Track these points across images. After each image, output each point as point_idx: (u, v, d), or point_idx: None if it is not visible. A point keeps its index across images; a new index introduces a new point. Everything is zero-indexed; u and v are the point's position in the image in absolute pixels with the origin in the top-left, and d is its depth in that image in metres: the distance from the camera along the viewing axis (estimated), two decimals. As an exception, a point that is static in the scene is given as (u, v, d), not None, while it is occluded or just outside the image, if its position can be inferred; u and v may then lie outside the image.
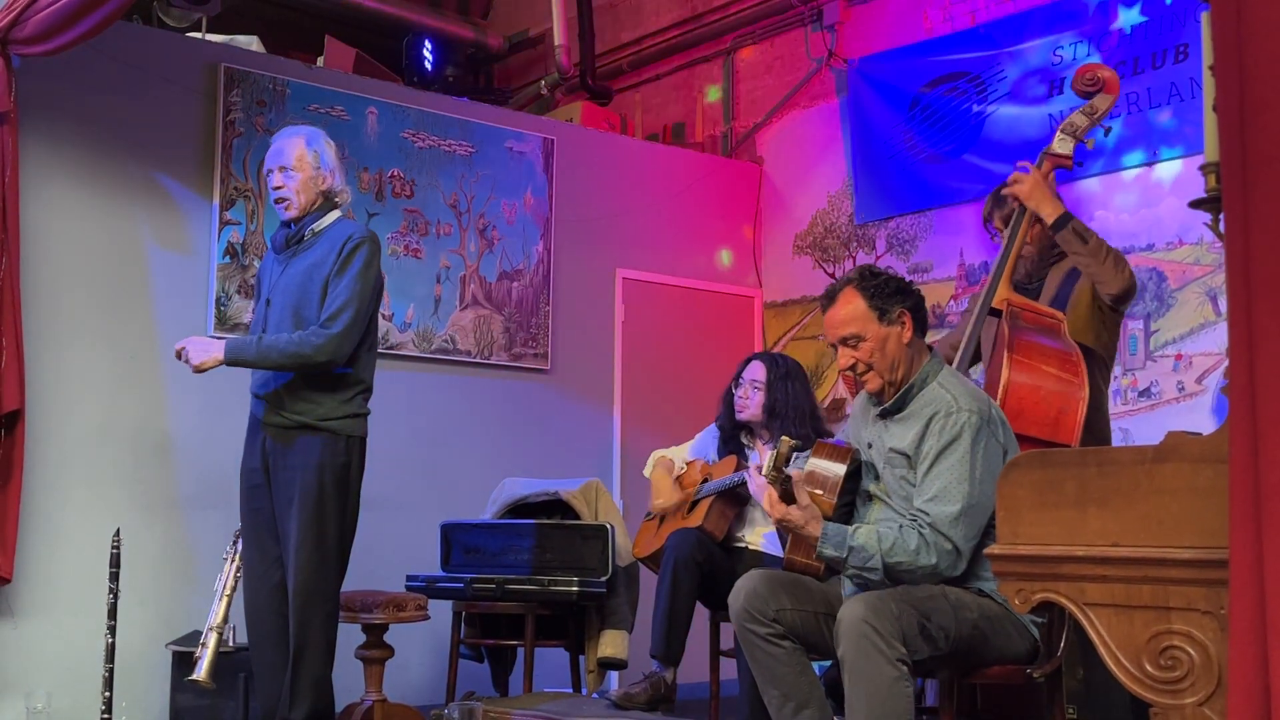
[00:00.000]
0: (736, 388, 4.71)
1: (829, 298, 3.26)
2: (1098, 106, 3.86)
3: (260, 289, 4.20)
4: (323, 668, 3.96)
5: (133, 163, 5.27)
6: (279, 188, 4.01)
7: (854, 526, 3.10)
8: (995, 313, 3.76)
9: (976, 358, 3.92)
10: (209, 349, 3.97)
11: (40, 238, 4.97)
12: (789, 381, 4.64)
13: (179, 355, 4.00)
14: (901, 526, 3.05)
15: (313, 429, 3.92)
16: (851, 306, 3.18)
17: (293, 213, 4.02)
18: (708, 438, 4.92)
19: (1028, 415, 3.49)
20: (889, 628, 2.86)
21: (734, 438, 4.78)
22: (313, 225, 4.04)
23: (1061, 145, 3.89)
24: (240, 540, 4.18)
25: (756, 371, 4.67)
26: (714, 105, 7.40)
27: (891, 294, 3.19)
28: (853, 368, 3.20)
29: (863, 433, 3.36)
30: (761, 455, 4.66)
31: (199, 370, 3.98)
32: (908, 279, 3.38)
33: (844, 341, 3.19)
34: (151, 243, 5.31)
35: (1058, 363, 3.62)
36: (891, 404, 3.21)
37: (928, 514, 3.02)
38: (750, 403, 4.64)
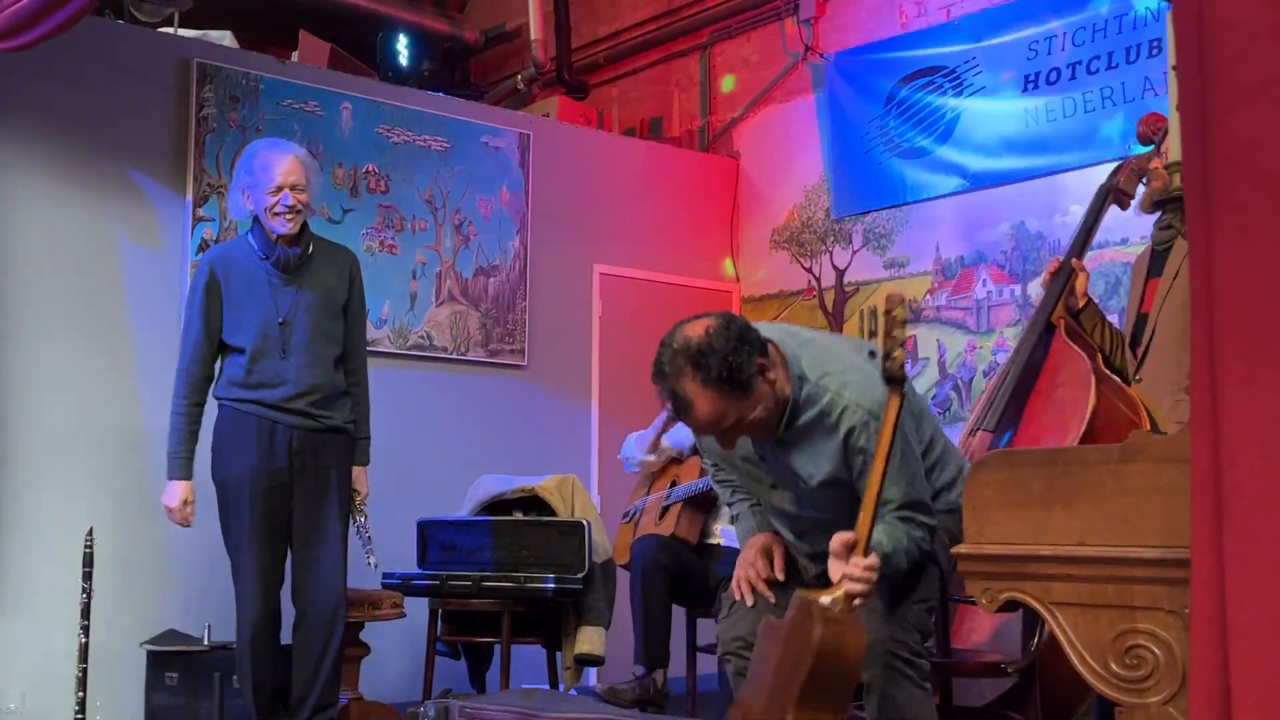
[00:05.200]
0: None
1: (676, 402, 2.75)
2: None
3: (242, 307, 4.16)
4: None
5: (105, 159, 5.25)
6: (298, 204, 4.11)
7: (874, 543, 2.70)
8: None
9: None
10: (366, 481, 4.37)
11: (11, 234, 4.96)
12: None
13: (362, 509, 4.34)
14: (892, 528, 2.76)
15: (338, 431, 4.21)
16: (710, 402, 2.70)
17: (295, 229, 4.13)
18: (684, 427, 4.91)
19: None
20: (912, 640, 2.78)
21: None
22: (308, 246, 4.22)
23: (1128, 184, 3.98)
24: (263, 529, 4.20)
25: None
26: (691, 99, 7.40)
27: (740, 364, 2.68)
28: (733, 438, 2.83)
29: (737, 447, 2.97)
30: None
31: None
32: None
33: (725, 434, 2.79)
34: (124, 239, 5.29)
35: None
36: (782, 431, 2.85)
37: (900, 506, 2.81)
38: None
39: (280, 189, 4.07)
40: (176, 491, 4.15)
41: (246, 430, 4.13)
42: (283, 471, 4.12)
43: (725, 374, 2.66)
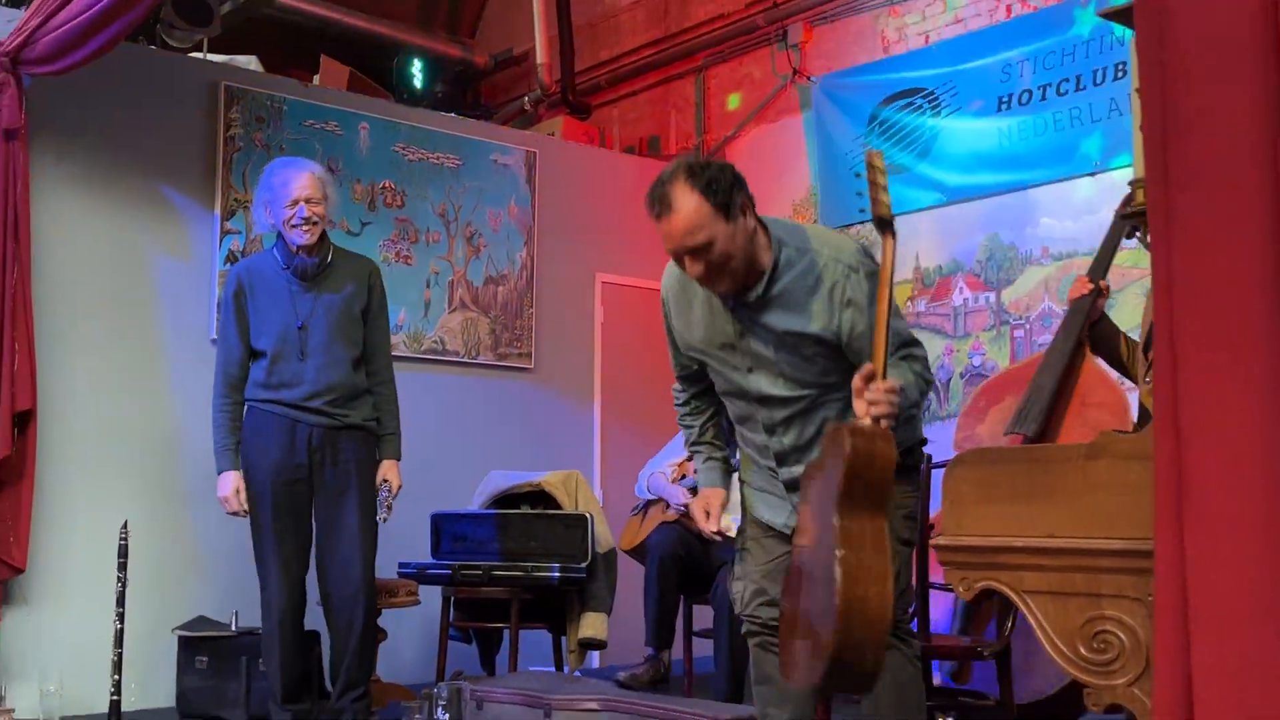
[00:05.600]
0: None
1: (661, 203, 2.62)
2: None
3: (265, 313, 4.19)
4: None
5: (138, 176, 5.26)
6: (313, 216, 4.13)
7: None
8: None
9: None
10: (396, 474, 4.33)
11: (50, 247, 4.96)
12: None
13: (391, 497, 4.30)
14: (896, 366, 2.64)
15: (356, 428, 4.21)
16: (692, 208, 2.59)
17: (313, 239, 4.14)
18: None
19: None
20: (905, 621, 2.80)
21: None
22: (326, 255, 4.23)
23: None
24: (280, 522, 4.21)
25: None
26: (687, 119, 7.40)
27: (730, 186, 2.62)
28: (704, 277, 2.68)
29: (705, 323, 2.86)
30: None
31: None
32: None
33: (692, 252, 2.63)
34: (156, 251, 5.30)
35: None
36: (762, 293, 2.72)
37: (909, 350, 2.73)
38: None
39: (296, 202, 4.09)
40: (228, 481, 4.17)
41: (269, 428, 4.14)
42: (303, 467, 4.13)
43: (713, 185, 2.59)
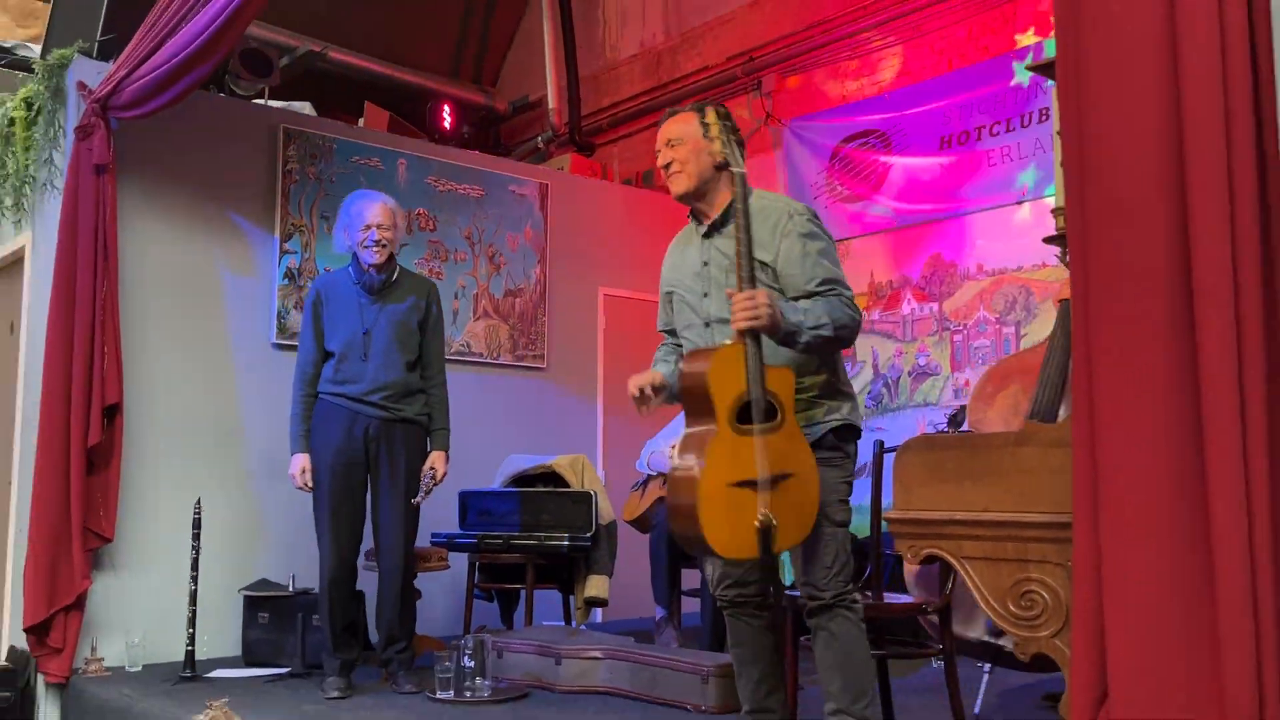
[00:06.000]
0: None
1: (673, 113, 2.92)
2: None
3: (337, 322, 4.19)
4: None
5: (210, 204, 5.24)
6: (383, 240, 4.13)
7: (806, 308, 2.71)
8: None
9: None
10: (443, 464, 4.26)
11: (135, 264, 4.95)
12: None
13: (433, 483, 4.23)
14: (818, 299, 2.73)
15: (409, 421, 4.18)
16: (685, 122, 2.86)
17: (381, 259, 4.15)
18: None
19: None
20: (849, 589, 2.74)
21: None
22: (393, 273, 4.22)
23: None
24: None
25: None
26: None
27: (720, 126, 2.80)
28: (668, 166, 2.87)
29: (685, 261, 2.98)
30: None
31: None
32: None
33: (667, 144, 2.87)
34: (224, 268, 5.28)
35: None
36: (718, 220, 2.87)
37: (834, 286, 2.75)
38: None
39: (369, 228, 4.11)
40: (297, 462, 4.15)
41: (334, 417, 4.13)
42: (359, 452, 4.11)
43: (704, 109, 2.84)
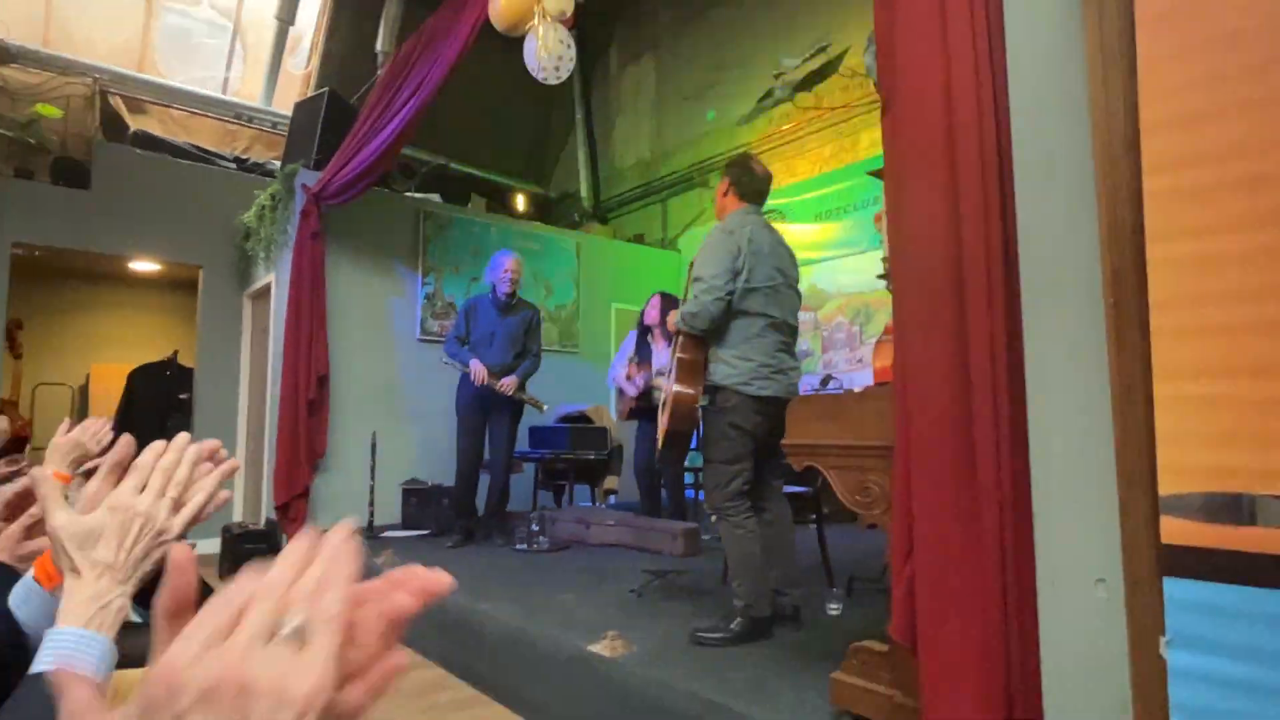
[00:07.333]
0: (646, 307, 4.41)
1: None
2: None
3: (478, 323, 4.14)
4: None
5: (380, 256, 5.22)
6: (514, 280, 4.09)
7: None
8: None
9: None
10: (511, 384, 4.03)
11: (336, 293, 4.94)
12: (674, 304, 4.26)
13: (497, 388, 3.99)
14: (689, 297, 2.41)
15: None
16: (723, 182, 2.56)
17: (510, 290, 4.10)
18: (630, 340, 4.55)
19: None
20: (724, 501, 2.38)
21: (643, 335, 4.39)
22: (515, 299, 4.15)
23: None
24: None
25: (655, 299, 4.37)
26: (658, 225, 7.29)
27: (733, 176, 2.53)
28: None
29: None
30: (657, 344, 4.26)
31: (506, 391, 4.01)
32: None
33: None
34: (388, 294, 5.26)
35: None
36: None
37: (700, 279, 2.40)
38: (651, 313, 4.35)
39: (506, 270, 4.11)
40: (476, 366, 4.03)
41: (469, 382, 4.11)
42: (485, 400, 4.09)
43: (729, 166, 2.56)
